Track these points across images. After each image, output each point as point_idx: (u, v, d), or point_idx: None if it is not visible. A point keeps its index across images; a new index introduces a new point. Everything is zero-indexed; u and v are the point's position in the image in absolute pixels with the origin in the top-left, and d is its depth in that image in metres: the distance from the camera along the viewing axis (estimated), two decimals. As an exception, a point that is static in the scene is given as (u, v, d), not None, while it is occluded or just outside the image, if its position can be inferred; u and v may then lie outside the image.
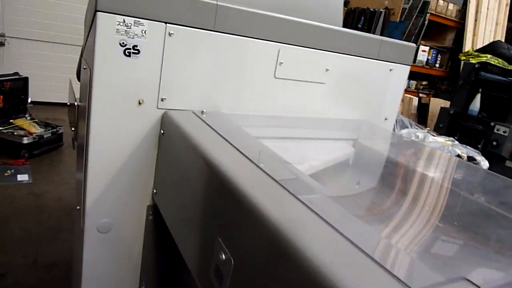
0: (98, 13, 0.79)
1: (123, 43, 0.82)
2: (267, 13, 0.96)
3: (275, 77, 1.03)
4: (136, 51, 0.84)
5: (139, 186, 0.95)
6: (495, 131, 3.12)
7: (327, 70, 1.10)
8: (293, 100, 1.09)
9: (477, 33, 4.98)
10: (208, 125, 0.86)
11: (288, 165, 0.71)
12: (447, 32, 5.29)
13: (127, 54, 0.83)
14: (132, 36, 0.83)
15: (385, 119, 1.31)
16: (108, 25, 0.80)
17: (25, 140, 2.84)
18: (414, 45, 1.27)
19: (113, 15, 0.80)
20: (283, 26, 0.99)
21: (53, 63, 4.46)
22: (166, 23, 0.85)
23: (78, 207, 1.07)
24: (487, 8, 4.99)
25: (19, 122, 3.10)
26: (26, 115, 3.29)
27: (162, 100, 0.90)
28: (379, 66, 1.21)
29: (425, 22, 4.60)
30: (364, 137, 1.23)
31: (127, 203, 0.96)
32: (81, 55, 1.19)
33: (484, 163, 2.99)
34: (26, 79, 3.29)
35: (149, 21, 0.83)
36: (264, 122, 1.06)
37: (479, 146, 3.19)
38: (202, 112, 0.93)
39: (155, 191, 0.96)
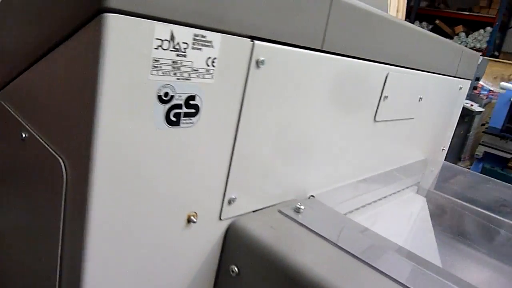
0: (108, 16, 0.27)
1: (165, 94, 0.32)
2: (376, 11, 0.54)
3: (375, 121, 0.61)
4: (193, 110, 0.34)
5: None
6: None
7: (420, 99, 0.73)
8: (387, 150, 0.69)
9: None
10: (318, 234, 0.43)
11: None
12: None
13: (174, 119, 0.33)
14: (186, 76, 0.32)
15: (442, 149, 1.00)
16: (133, 47, 0.29)
17: None
18: (478, 54, 0.97)
19: (148, 21, 0.29)
20: (395, 35, 0.58)
21: None
22: (252, 38, 0.37)
23: None
24: (389, -4, 5.17)
25: None
26: None
27: (229, 202, 0.42)
28: (452, 85, 0.88)
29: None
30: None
31: None
32: None
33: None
34: None
35: (223, 35, 0.34)
36: (352, 191, 0.64)
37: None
38: (299, 209, 0.47)
39: None
